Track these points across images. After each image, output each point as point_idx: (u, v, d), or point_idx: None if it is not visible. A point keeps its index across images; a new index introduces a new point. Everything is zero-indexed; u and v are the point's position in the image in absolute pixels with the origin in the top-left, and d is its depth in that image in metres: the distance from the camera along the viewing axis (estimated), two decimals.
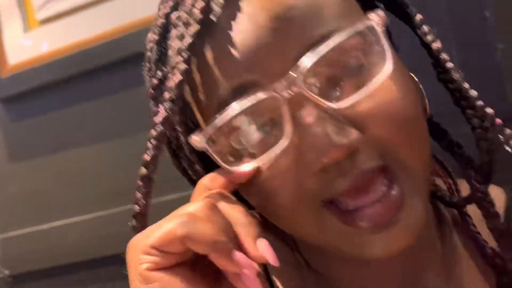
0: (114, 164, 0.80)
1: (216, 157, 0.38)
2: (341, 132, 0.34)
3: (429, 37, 0.40)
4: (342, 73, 0.36)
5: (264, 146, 0.37)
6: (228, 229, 0.34)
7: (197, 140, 0.38)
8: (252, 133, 0.37)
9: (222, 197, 0.36)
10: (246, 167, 0.37)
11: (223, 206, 0.35)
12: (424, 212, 0.37)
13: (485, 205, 0.42)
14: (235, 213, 0.35)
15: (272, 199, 0.37)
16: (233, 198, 0.37)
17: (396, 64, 0.36)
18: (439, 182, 0.48)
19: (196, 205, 0.34)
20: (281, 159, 0.36)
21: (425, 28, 0.40)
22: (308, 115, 0.35)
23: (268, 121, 0.37)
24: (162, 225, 0.33)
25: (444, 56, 0.40)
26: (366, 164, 0.35)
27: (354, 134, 0.34)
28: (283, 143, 0.36)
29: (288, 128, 0.35)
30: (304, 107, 0.35)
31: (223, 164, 0.38)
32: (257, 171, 0.37)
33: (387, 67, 0.35)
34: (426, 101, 0.42)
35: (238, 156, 0.38)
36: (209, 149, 0.38)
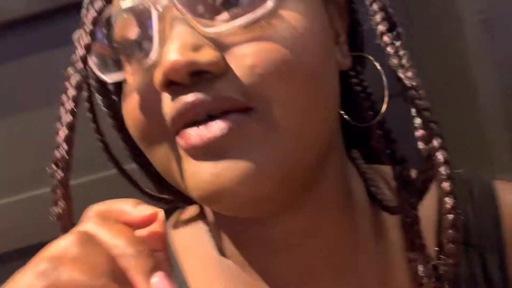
0: (33, 140, 0.69)
1: (91, 60, 0.38)
2: (196, 51, 0.33)
3: (377, 17, 0.38)
4: (224, 2, 0.35)
5: (137, 59, 0.37)
6: (110, 265, 0.28)
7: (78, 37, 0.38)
8: (129, 43, 0.38)
9: (102, 222, 0.30)
10: (114, 76, 0.38)
11: (103, 234, 0.29)
12: (273, 175, 0.34)
13: (411, 233, 0.41)
14: (119, 242, 0.29)
15: (137, 124, 0.37)
16: (117, 222, 0.31)
17: (300, 13, 0.35)
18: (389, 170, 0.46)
19: (63, 242, 0.28)
20: (146, 75, 0.36)
21: (375, 6, 0.39)
22: (173, 31, 0.34)
23: (143, 33, 0.37)
24: (18, 278, 0.27)
25: (385, 38, 0.38)
26: (220, 91, 0.34)
27: (209, 55, 0.33)
28: (149, 59, 0.36)
29: (155, 43, 0.35)
30: (174, 24, 0.35)
31: (97, 71, 0.38)
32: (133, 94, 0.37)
33: (267, 4, 0.34)
34: (386, 93, 0.41)
35: (111, 63, 0.38)
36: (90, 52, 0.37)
